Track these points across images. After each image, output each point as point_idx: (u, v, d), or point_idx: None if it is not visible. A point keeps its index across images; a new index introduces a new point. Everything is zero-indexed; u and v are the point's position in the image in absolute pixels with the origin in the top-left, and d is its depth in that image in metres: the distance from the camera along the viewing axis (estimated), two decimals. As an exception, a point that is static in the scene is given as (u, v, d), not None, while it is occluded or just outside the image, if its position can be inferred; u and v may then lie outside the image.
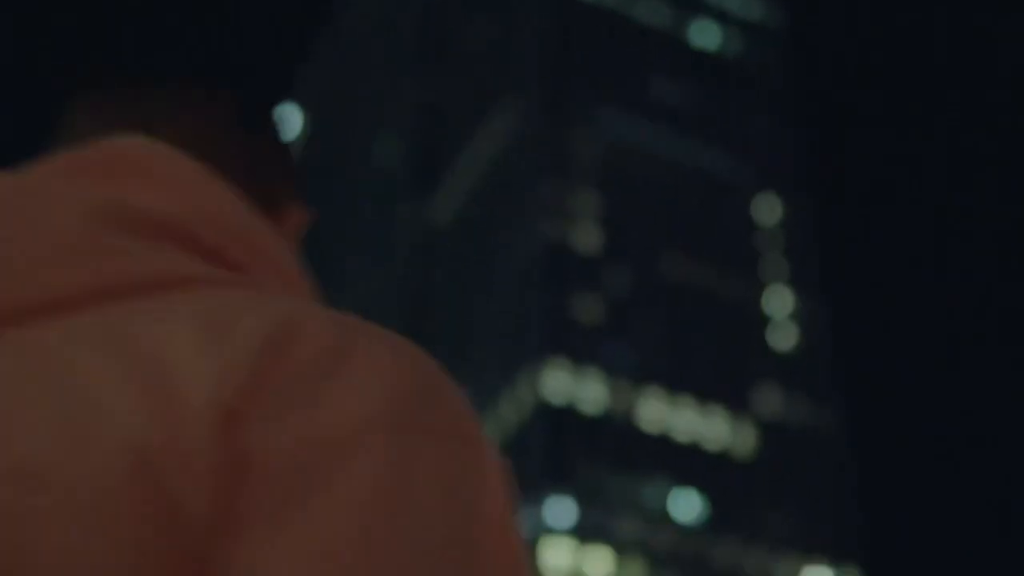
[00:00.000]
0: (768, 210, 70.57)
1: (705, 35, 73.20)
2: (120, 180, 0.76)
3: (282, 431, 0.63)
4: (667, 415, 61.12)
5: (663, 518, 58.43)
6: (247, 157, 0.89)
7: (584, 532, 55.58)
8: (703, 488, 60.19)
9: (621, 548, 56.66)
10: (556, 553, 55.06)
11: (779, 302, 68.16)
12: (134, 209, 0.73)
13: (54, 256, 0.70)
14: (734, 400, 63.65)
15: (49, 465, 0.62)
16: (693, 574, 57.99)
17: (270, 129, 0.92)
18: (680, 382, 62.21)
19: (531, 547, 45.55)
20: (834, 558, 62.02)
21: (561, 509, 55.11)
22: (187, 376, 0.64)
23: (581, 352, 59.84)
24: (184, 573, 0.61)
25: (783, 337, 67.30)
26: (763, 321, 67.25)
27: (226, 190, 0.79)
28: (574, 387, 58.78)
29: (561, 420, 57.27)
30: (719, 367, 64.11)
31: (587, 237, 63.73)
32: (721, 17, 74.42)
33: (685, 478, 59.98)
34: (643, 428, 59.95)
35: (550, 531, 55.04)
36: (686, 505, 59.47)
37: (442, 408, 0.67)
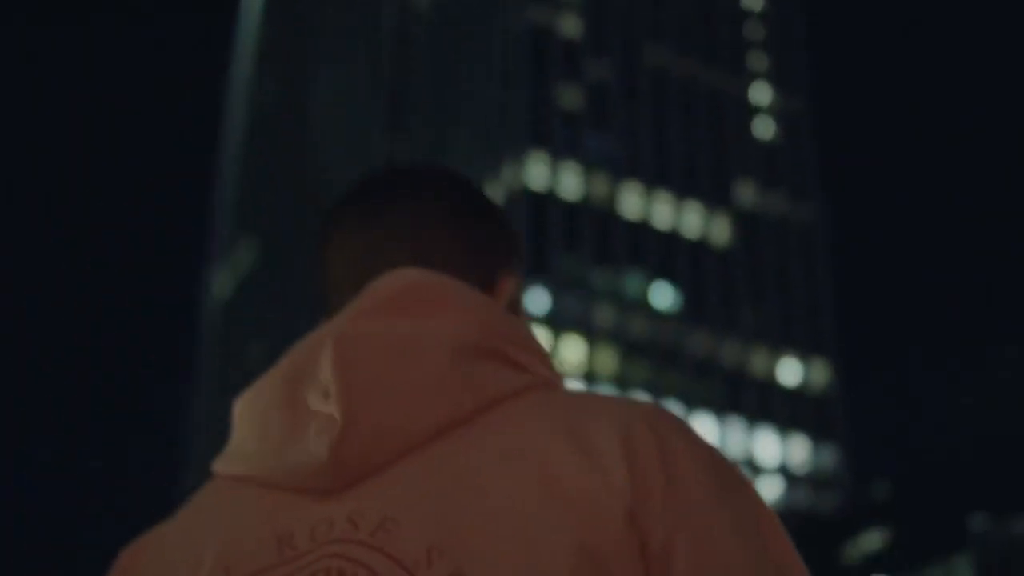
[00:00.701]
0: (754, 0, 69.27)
1: None
2: (449, 314, 1.02)
3: (664, 521, 0.92)
4: (646, 205, 61.05)
5: (637, 307, 58.88)
6: (468, 242, 1.13)
7: (557, 321, 55.99)
8: (678, 278, 60.51)
9: (595, 338, 57.19)
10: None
11: (761, 96, 67.46)
12: (471, 341, 1.00)
13: (439, 386, 0.97)
14: (713, 192, 63.52)
15: (526, 570, 0.88)
16: (666, 364, 58.62)
17: (493, 209, 1.18)
18: (661, 172, 61.95)
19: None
20: (805, 352, 62.85)
21: (534, 297, 55.39)
22: (585, 484, 0.92)
23: (562, 143, 59.35)
24: None
25: (764, 130, 66.83)
26: (746, 114, 66.67)
27: (501, 310, 1.07)
28: (554, 178, 58.50)
29: (541, 207, 57.13)
30: (700, 158, 63.80)
31: (571, 25, 62.53)
32: None
33: (661, 267, 60.24)
34: (621, 216, 59.94)
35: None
36: (661, 294, 59.88)
37: (732, 466, 0.98)
